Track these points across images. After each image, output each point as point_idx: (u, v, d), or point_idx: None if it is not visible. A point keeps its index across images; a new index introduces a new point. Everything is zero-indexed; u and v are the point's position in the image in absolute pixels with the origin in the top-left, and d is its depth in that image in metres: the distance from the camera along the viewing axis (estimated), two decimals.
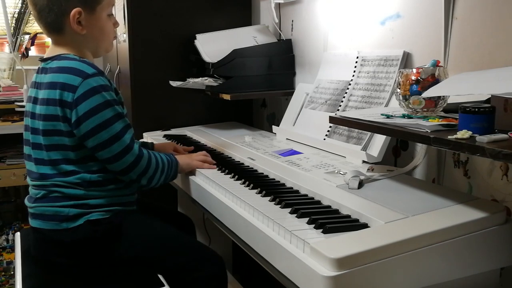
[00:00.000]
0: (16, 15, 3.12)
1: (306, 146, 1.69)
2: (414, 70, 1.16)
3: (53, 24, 1.31)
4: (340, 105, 1.64)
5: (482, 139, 0.89)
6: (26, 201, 1.37)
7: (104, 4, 1.35)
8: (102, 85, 1.27)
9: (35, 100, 1.32)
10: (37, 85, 1.34)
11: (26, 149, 1.36)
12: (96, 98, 1.25)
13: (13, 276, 2.49)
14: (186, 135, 2.13)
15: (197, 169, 1.52)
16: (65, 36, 1.33)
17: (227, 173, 1.46)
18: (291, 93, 1.95)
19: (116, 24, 1.43)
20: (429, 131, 1.00)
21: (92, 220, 1.29)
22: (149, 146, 1.73)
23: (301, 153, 1.60)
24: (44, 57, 1.36)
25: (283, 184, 1.34)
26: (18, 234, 1.53)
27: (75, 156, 1.29)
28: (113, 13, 1.41)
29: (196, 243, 1.44)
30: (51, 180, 1.29)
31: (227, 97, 1.95)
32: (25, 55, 3.03)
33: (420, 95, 1.12)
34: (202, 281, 1.33)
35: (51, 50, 1.36)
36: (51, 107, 1.27)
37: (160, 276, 1.32)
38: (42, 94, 1.30)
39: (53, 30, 1.33)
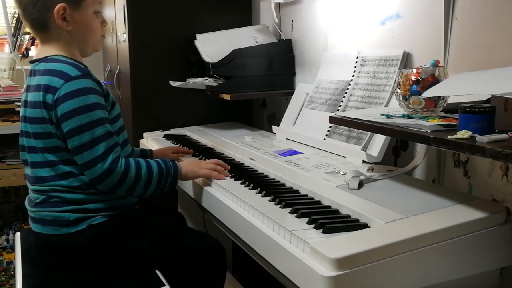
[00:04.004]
0: (16, 15, 3.12)
1: (306, 146, 1.69)
2: (414, 70, 1.16)
3: (37, 20, 1.30)
4: (340, 105, 1.64)
5: (482, 139, 0.89)
6: (26, 204, 1.37)
7: (90, 0, 1.33)
8: (84, 88, 1.24)
9: (25, 103, 1.32)
10: (27, 88, 1.34)
11: (23, 155, 1.35)
12: (75, 101, 1.22)
13: (13, 276, 2.49)
14: (186, 135, 2.13)
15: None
16: (50, 33, 1.32)
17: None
18: (291, 93, 1.95)
19: (103, 22, 1.40)
20: (429, 131, 1.00)
21: (95, 224, 1.29)
22: (148, 153, 1.70)
23: (301, 153, 1.60)
24: (33, 58, 1.35)
25: (283, 184, 1.34)
26: (18, 234, 1.53)
27: (71, 157, 1.28)
28: (100, 11, 1.39)
29: (194, 233, 1.45)
30: (50, 184, 1.29)
31: (227, 97, 1.95)
32: (25, 55, 3.03)
33: (420, 95, 1.12)
34: (202, 270, 1.34)
35: (39, 50, 1.35)
36: (37, 109, 1.26)
37: (161, 276, 1.32)
38: (30, 96, 1.30)
39: (39, 28, 1.32)
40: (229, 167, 1.46)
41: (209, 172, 1.41)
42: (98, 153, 1.24)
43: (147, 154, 1.69)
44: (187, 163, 1.44)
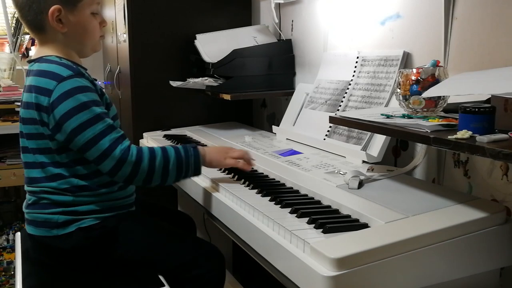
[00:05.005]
0: (16, 15, 3.12)
1: (306, 146, 1.69)
2: (414, 70, 1.16)
3: (33, 22, 1.30)
4: (340, 105, 1.64)
5: (482, 139, 0.89)
6: (23, 205, 1.37)
7: (86, 2, 1.31)
8: (77, 87, 1.23)
9: (21, 104, 1.32)
10: (24, 88, 1.34)
11: (21, 154, 1.35)
12: (70, 101, 1.21)
13: (13, 276, 2.49)
14: (186, 135, 2.13)
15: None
16: (47, 35, 1.31)
17: (227, 173, 1.46)
18: (291, 93, 1.95)
19: (102, 23, 1.39)
20: (429, 131, 1.00)
21: (84, 227, 1.28)
22: None
23: (301, 153, 1.60)
24: (31, 58, 1.35)
25: (283, 184, 1.34)
26: (18, 234, 1.53)
27: (61, 160, 1.27)
28: (99, 12, 1.38)
29: (193, 241, 1.43)
30: (40, 185, 1.28)
31: (227, 97, 1.95)
32: (25, 55, 3.03)
33: (420, 95, 1.12)
34: (200, 278, 1.33)
35: (37, 50, 1.35)
36: (30, 110, 1.26)
37: (160, 276, 1.32)
38: (24, 97, 1.30)
39: (35, 29, 1.31)
40: (254, 160, 1.42)
41: (235, 162, 1.38)
42: (104, 147, 1.22)
43: None
44: (214, 150, 1.40)
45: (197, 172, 1.35)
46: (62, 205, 1.28)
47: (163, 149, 1.30)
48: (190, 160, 1.32)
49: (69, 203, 1.28)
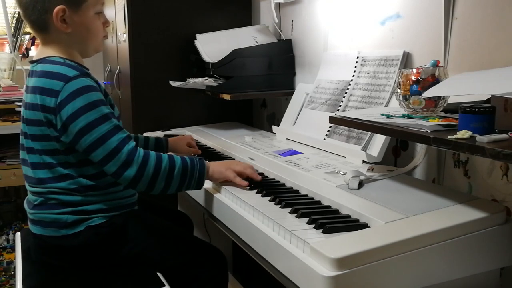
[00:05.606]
0: (16, 15, 3.12)
1: (306, 146, 1.69)
2: (414, 70, 1.16)
3: (37, 22, 1.29)
4: (340, 105, 1.64)
5: (482, 139, 0.89)
6: (25, 205, 1.37)
7: (91, 2, 1.31)
8: (85, 87, 1.23)
9: (24, 104, 1.32)
10: (26, 89, 1.33)
11: (22, 154, 1.34)
12: (78, 101, 1.21)
13: (13, 276, 2.49)
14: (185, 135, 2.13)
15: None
16: (50, 35, 1.30)
17: None
18: (291, 93, 1.95)
19: (106, 23, 1.38)
20: (429, 131, 1.00)
21: (93, 225, 1.29)
22: (163, 142, 1.69)
23: (301, 153, 1.60)
24: (33, 58, 1.34)
25: (283, 184, 1.34)
26: (18, 234, 1.53)
27: (69, 160, 1.27)
28: (103, 11, 1.37)
29: (197, 240, 1.44)
30: (48, 186, 1.28)
31: (227, 97, 1.95)
32: (25, 55, 3.03)
33: (420, 95, 1.12)
34: (203, 277, 1.33)
35: (39, 50, 1.35)
36: (36, 112, 1.25)
37: (161, 276, 1.32)
38: (28, 98, 1.29)
39: (39, 29, 1.31)
40: (259, 177, 1.37)
41: (233, 177, 1.33)
42: (112, 147, 1.22)
43: (162, 142, 1.69)
44: (217, 163, 1.38)
45: (200, 183, 1.33)
46: (71, 205, 1.28)
47: (170, 155, 1.30)
48: (195, 169, 1.31)
49: (77, 202, 1.28)
